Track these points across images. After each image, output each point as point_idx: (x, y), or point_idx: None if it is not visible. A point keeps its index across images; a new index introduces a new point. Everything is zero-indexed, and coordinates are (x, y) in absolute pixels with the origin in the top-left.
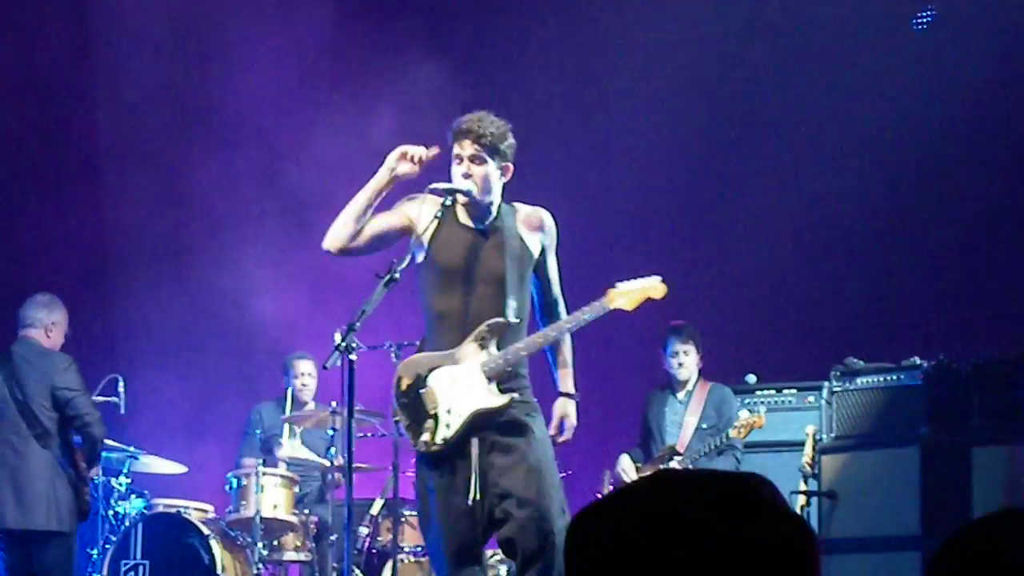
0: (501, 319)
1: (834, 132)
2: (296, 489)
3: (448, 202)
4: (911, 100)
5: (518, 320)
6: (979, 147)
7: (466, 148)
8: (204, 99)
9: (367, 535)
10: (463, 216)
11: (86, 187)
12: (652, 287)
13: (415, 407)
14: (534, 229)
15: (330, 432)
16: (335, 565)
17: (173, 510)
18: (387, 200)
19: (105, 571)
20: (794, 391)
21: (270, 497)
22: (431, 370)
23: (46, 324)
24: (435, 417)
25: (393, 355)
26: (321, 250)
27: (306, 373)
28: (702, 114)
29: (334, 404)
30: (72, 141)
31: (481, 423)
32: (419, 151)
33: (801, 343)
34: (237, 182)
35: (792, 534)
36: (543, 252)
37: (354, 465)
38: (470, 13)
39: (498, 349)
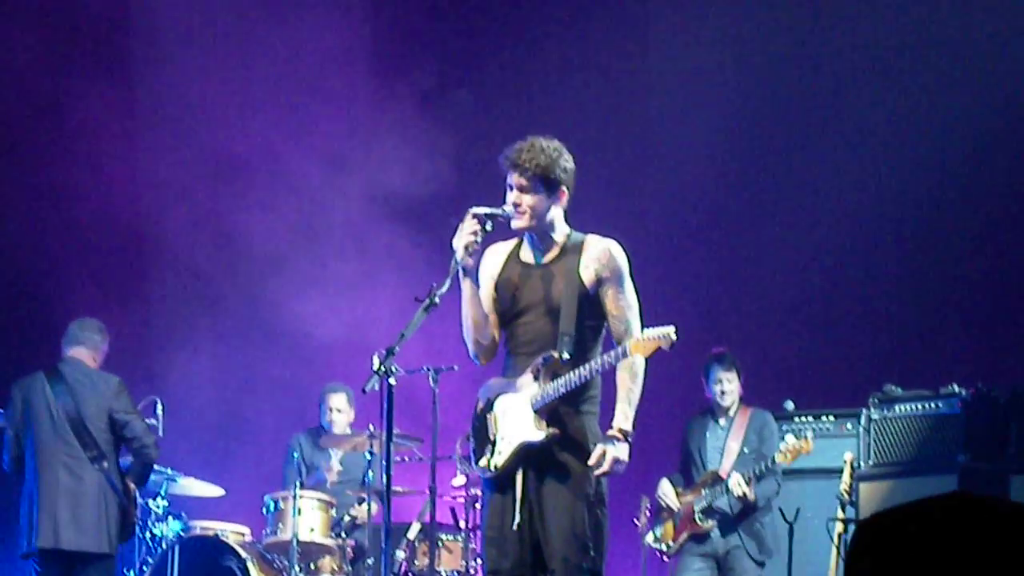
0: (554, 354)
1: (872, 159)
2: (333, 512)
3: (489, 227)
4: (947, 127)
5: (569, 355)
6: (1019, 173)
7: (515, 178)
8: (247, 141)
9: (404, 559)
10: (525, 253)
11: (125, 210)
12: (664, 337)
13: (481, 430)
14: (593, 260)
15: (368, 456)
16: None
17: (210, 532)
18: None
19: None
20: (832, 418)
21: (307, 520)
22: (498, 395)
23: (99, 347)
24: (493, 443)
25: (431, 380)
26: (357, 274)
27: (335, 408)
28: (739, 140)
29: (372, 428)
30: (114, 173)
31: (529, 455)
32: (467, 234)
33: (839, 370)
34: (279, 211)
35: None
36: (600, 283)
37: (391, 489)
38: (508, 40)
39: (552, 382)
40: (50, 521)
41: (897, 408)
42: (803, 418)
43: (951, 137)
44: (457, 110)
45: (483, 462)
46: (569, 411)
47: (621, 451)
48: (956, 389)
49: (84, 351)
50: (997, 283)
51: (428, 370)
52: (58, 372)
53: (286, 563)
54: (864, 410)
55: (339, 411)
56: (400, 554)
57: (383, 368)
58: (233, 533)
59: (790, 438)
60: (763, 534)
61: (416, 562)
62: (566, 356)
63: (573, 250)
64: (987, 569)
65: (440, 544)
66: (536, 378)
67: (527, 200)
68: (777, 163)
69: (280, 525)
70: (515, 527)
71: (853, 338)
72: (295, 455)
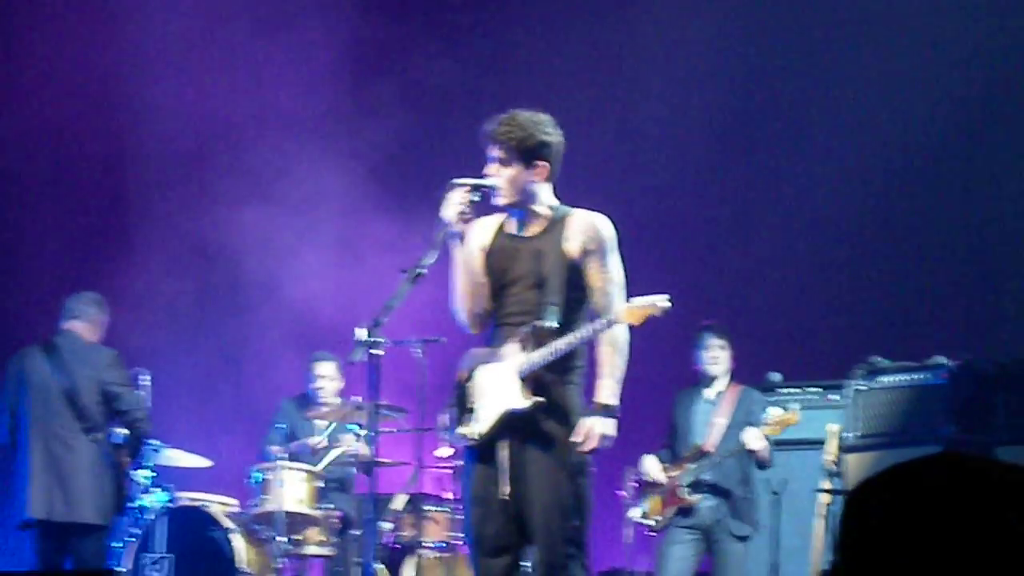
0: (541, 323)
1: (859, 129)
2: (319, 483)
3: (476, 197)
4: (934, 96)
5: (557, 325)
6: (1006, 144)
7: (493, 151)
8: (228, 105)
9: (390, 530)
10: (509, 226)
11: (110, 177)
12: (655, 305)
13: (463, 399)
14: (578, 233)
15: (354, 427)
16: (357, 559)
17: (197, 504)
18: None
19: (128, 564)
20: (818, 389)
21: (293, 491)
22: (481, 365)
23: (94, 320)
24: (474, 411)
25: (418, 351)
26: (348, 243)
27: (324, 376)
28: (727, 112)
29: (358, 399)
30: (98, 142)
31: (513, 424)
32: (457, 203)
33: (825, 341)
34: (259, 174)
35: None
36: (585, 256)
37: (377, 460)
38: (493, 9)
39: (539, 351)
40: (43, 493)
41: (883, 379)
42: (789, 389)
43: (938, 108)
44: (439, 79)
45: (463, 430)
46: (555, 380)
47: (606, 426)
48: (942, 360)
49: (80, 324)
50: (984, 254)
51: (415, 341)
52: (53, 345)
53: (272, 534)
54: (850, 381)
55: (326, 378)
56: (386, 525)
57: (369, 339)
58: (219, 504)
59: (776, 410)
60: (748, 507)
61: (402, 533)
62: (553, 325)
63: (559, 223)
64: (978, 529)
65: (426, 515)
66: (523, 347)
67: (504, 173)
68: (764, 136)
69: (266, 496)
70: (502, 496)
71: (839, 309)
72: (283, 424)
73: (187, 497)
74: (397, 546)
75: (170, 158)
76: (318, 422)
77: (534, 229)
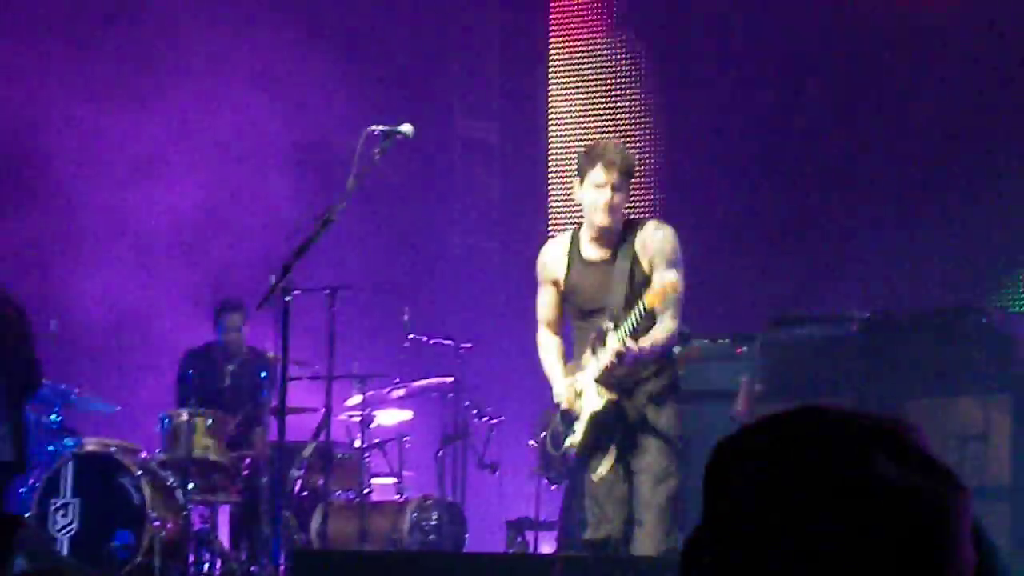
0: (603, 325)
1: (774, 76)
2: (229, 430)
3: (388, 145)
4: (865, 38)
5: (613, 326)
6: (918, 82)
7: (612, 176)
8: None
9: (298, 477)
10: (588, 249)
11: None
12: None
13: (566, 416)
14: (645, 247)
15: (263, 374)
16: (266, 507)
17: (104, 449)
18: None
19: (34, 509)
20: (727, 341)
21: (201, 438)
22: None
23: None
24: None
25: (327, 299)
26: (250, 187)
27: (233, 328)
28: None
29: (270, 354)
30: None
31: (606, 424)
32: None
33: (737, 293)
34: (169, 123)
35: (942, 486)
36: (653, 268)
37: (286, 407)
38: None
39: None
40: None
41: (794, 331)
42: (699, 341)
43: (851, 55)
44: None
45: (568, 442)
46: (649, 380)
47: (630, 350)
48: (854, 313)
49: None
50: (898, 207)
51: (326, 288)
52: None
53: (180, 481)
54: (761, 333)
55: (236, 331)
56: (295, 473)
57: (280, 285)
58: (127, 450)
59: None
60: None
61: (311, 481)
62: (608, 325)
63: (631, 239)
64: (844, 477)
65: (335, 463)
66: (594, 353)
67: (618, 199)
68: (687, 80)
69: (174, 442)
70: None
71: (750, 261)
72: (189, 372)
73: (94, 442)
74: (306, 493)
75: (80, 114)
76: (228, 367)
77: (609, 247)
